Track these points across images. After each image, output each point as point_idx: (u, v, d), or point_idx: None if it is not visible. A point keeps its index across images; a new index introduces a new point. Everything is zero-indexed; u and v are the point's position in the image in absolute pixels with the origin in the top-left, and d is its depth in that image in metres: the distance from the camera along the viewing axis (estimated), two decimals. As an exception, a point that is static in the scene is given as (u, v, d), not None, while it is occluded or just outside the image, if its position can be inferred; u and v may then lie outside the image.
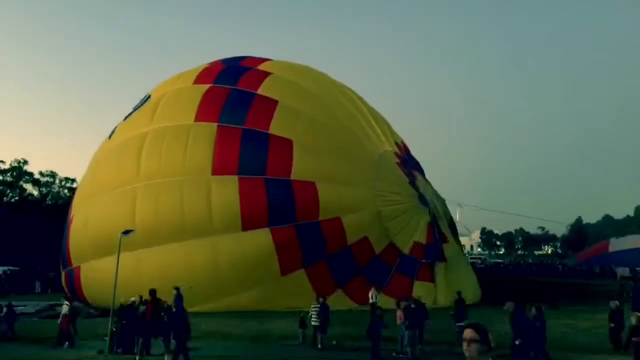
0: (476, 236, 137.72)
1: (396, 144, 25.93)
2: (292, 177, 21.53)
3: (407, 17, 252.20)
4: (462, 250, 28.54)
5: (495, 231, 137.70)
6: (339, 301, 20.67)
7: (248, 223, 20.85)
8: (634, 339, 11.15)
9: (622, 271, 50.92)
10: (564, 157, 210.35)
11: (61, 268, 25.62)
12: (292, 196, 21.25)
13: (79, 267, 23.35)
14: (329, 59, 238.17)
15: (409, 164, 25.17)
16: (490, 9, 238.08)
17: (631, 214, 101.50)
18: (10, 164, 47.18)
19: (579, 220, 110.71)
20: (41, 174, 49.30)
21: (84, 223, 23.33)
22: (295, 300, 20.10)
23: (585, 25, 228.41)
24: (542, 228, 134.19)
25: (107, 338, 13.94)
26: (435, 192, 26.71)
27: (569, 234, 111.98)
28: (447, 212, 27.90)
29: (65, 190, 49.88)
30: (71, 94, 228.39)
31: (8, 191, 47.28)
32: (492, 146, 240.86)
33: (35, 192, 49.48)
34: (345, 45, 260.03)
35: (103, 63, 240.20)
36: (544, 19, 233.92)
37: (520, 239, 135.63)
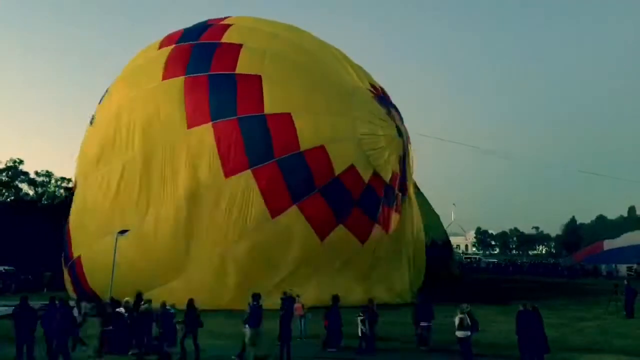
0: (471, 236, 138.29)
1: (372, 85, 25.29)
2: (266, 111, 20.94)
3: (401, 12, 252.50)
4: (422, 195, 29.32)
5: (490, 231, 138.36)
6: (341, 239, 20.83)
7: (229, 169, 20.57)
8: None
9: (609, 268, 51.49)
10: (560, 158, 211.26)
11: (64, 266, 25.65)
12: (267, 131, 20.69)
13: (79, 257, 23.27)
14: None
15: (385, 102, 24.65)
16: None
17: (625, 214, 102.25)
18: (6, 164, 46.86)
19: (573, 220, 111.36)
20: (37, 173, 49.05)
21: (79, 209, 23.74)
22: (294, 249, 20.65)
23: (585, 22, 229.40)
24: (537, 228, 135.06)
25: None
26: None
27: (563, 234, 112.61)
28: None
29: (61, 190, 49.68)
30: (67, 94, 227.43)
31: (3, 191, 47.06)
32: (487, 147, 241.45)
33: (31, 192, 49.26)
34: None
35: (99, 62, 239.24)
36: (541, 9, 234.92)
37: (514, 238, 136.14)
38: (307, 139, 20.84)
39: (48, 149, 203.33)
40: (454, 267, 38.24)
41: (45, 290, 29.99)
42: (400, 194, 24.23)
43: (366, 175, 21.77)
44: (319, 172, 20.92)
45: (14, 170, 47.37)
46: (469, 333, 11.62)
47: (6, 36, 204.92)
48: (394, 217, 23.64)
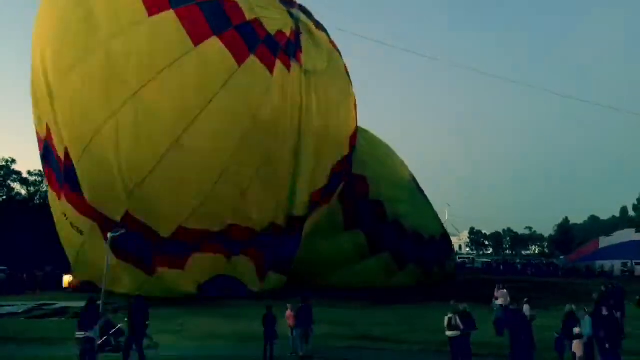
0: (464, 236, 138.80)
1: None
2: None
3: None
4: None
5: (484, 231, 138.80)
6: (216, 52, 21.94)
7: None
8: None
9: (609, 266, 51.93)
10: (553, 158, 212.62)
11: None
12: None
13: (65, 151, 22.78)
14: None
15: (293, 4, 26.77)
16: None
17: (617, 214, 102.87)
18: (-2, 163, 46.74)
19: (565, 220, 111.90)
20: (29, 173, 48.85)
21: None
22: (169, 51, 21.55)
23: (578, 23, 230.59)
24: (530, 228, 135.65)
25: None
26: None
27: (556, 234, 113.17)
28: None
29: (53, 190, 49.37)
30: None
31: (-5, 190, 46.83)
32: (481, 147, 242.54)
33: (24, 192, 49.04)
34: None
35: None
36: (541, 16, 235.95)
37: (508, 239, 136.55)
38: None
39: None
40: (448, 266, 38.25)
41: (37, 290, 29.84)
42: (288, 55, 24.55)
43: (249, 16, 23.44)
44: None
45: (6, 170, 47.17)
46: (458, 333, 11.64)
47: (5, 36, 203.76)
48: (278, 64, 23.79)
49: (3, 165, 46.87)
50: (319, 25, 27.88)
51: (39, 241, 34.13)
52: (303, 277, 29.72)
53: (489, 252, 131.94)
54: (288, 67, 24.27)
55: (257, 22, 23.57)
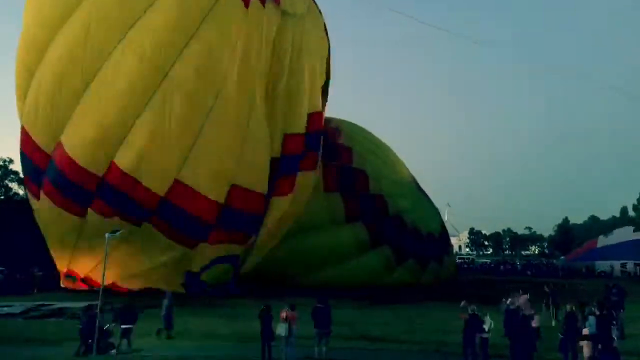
0: (464, 236, 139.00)
1: None
2: None
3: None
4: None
5: (484, 231, 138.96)
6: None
7: None
8: None
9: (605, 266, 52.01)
10: (552, 158, 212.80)
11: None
12: None
13: (60, 145, 22.73)
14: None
15: None
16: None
17: (617, 214, 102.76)
18: (-5, 163, 46.78)
19: (565, 220, 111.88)
20: (27, 172, 48.87)
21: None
22: None
23: (573, 23, 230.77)
24: (530, 228, 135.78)
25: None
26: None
27: (556, 235, 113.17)
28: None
29: (52, 190, 49.33)
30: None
31: (-7, 190, 46.82)
32: (479, 147, 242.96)
33: (21, 192, 48.95)
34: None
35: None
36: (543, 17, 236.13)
37: (507, 239, 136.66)
38: None
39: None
40: (449, 264, 38.18)
41: (35, 290, 29.75)
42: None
43: None
44: None
45: (4, 170, 47.18)
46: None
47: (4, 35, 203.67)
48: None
49: (1, 165, 46.88)
50: None
51: (38, 241, 33.99)
52: (301, 273, 29.63)
53: (489, 253, 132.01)
54: (263, 3, 24.14)
55: None
